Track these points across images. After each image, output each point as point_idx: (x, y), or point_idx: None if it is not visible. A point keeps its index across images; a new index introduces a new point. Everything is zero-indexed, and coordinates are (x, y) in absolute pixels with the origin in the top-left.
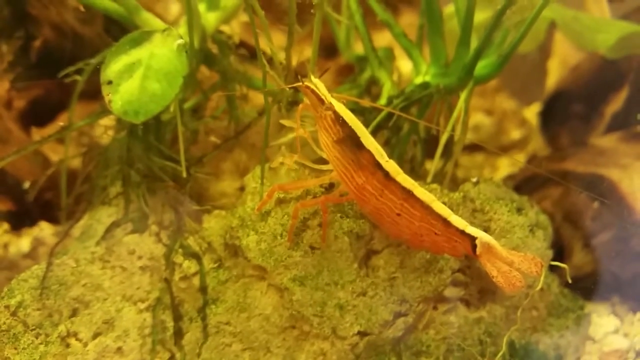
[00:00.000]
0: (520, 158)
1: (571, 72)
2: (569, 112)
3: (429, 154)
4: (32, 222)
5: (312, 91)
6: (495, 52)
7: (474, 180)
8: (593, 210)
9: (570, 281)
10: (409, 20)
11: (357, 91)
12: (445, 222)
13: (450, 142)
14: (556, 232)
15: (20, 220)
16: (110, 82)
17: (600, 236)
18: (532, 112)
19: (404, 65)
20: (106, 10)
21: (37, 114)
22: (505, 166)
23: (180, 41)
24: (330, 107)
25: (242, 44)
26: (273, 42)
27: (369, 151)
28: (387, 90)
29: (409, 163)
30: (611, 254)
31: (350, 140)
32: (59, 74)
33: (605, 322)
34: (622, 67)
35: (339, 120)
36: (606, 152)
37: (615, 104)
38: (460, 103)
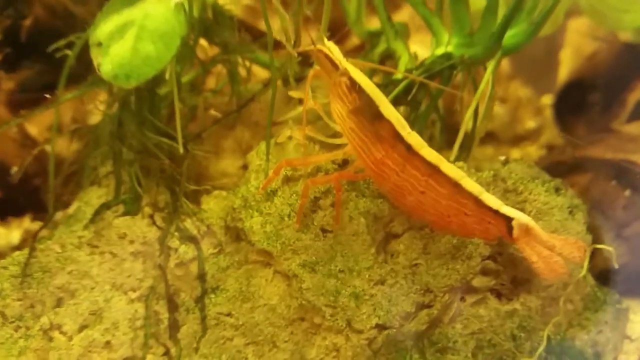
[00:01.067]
0: (533, 149)
1: (587, 61)
2: (586, 101)
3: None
4: (20, 211)
5: (326, 56)
6: (525, 19)
7: (502, 159)
8: (625, 198)
9: (616, 266)
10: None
11: (369, 68)
12: (477, 201)
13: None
14: None
15: (6, 208)
16: (99, 44)
17: (633, 226)
18: (545, 103)
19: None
20: None
21: (29, 96)
22: (517, 156)
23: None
24: (346, 73)
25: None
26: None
27: (389, 121)
28: (403, 63)
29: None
30: None
31: (368, 110)
32: (50, 49)
33: None
34: None
35: (355, 87)
36: (634, 138)
37: (639, 91)
38: (488, 74)
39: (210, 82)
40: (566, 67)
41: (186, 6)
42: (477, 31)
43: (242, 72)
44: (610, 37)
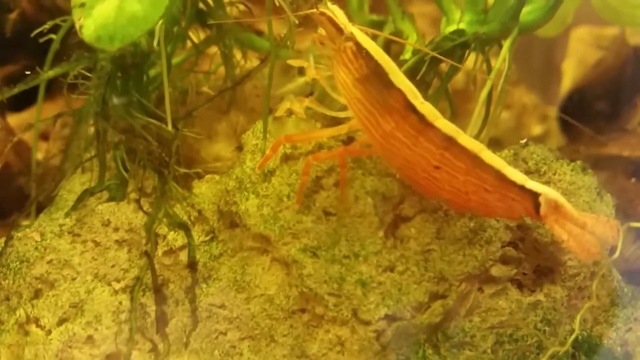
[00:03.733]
0: None
1: (593, 69)
2: (592, 110)
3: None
4: (5, 213)
5: (329, 19)
6: None
7: (523, 141)
8: None
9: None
10: (418, 10)
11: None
12: (499, 176)
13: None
14: None
15: None
16: (82, 5)
17: None
18: (550, 112)
19: None
20: None
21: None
22: None
23: None
24: (352, 38)
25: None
26: None
27: (399, 90)
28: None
29: None
30: None
31: (376, 78)
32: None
33: None
34: None
35: (361, 53)
36: None
37: None
38: (504, 52)
39: (204, 66)
40: (570, 77)
41: None
42: (492, 7)
43: (238, 55)
44: (616, 46)
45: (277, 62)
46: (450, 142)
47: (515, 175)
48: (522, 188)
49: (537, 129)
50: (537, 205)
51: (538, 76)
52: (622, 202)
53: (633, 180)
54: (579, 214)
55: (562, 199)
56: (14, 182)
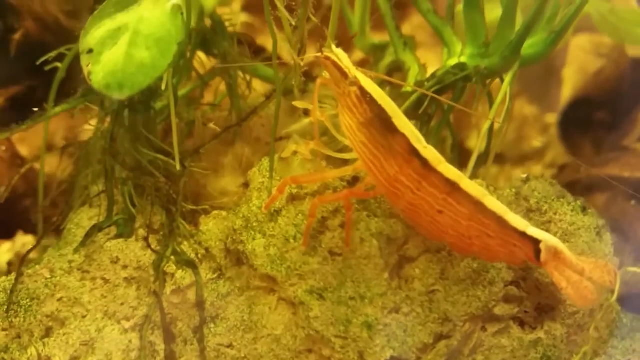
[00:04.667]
0: (538, 168)
1: (593, 79)
2: (592, 119)
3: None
4: (11, 233)
5: (334, 63)
6: (545, 28)
7: (524, 176)
8: None
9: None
10: (419, 21)
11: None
12: (501, 222)
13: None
14: None
15: None
16: (90, 51)
17: None
18: (549, 122)
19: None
20: None
21: (17, 112)
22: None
23: (175, 1)
24: (356, 82)
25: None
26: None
27: (403, 135)
28: (413, 74)
29: None
30: None
31: (380, 122)
32: (40, 63)
33: None
34: None
35: (366, 97)
36: None
37: None
38: (505, 86)
39: (209, 97)
40: (570, 85)
41: (184, 10)
42: (493, 40)
43: (242, 85)
44: (616, 55)
45: (282, 102)
46: (453, 187)
47: (517, 221)
48: (523, 235)
49: (537, 141)
50: (537, 252)
51: (537, 83)
52: (622, 225)
53: (633, 202)
54: (578, 260)
55: (561, 246)
56: (20, 204)
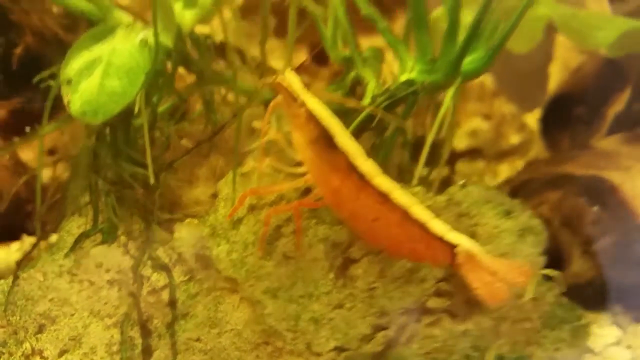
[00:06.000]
0: (520, 164)
1: (572, 75)
2: (571, 115)
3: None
4: (16, 235)
5: (286, 87)
6: (483, 46)
7: (461, 183)
8: (593, 214)
9: (565, 290)
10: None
11: (343, 92)
12: (425, 228)
13: (439, 144)
14: (554, 237)
15: (3, 233)
16: (69, 81)
17: (601, 242)
18: (533, 118)
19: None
20: (78, 9)
21: (19, 124)
22: (506, 172)
23: (142, 35)
24: (304, 105)
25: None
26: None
27: (343, 152)
28: (371, 89)
29: (396, 167)
30: (612, 261)
31: (324, 140)
32: (35, 80)
33: (606, 333)
34: (625, 67)
35: (312, 118)
36: (607, 154)
37: (618, 105)
38: (447, 101)
39: (195, 108)
40: (554, 81)
41: (151, 41)
42: (438, 58)
43: (218, 98)
44: (594, 52)
45: (249, 119)
46: (385, 198)
47: (438, 227)
48: (442, 239)
49: (515, 138)
50: (454, 255)
51: (521, 81)
52: (572, 221)
53: (583, 199)
54: (492, 262)
55: (476, 249)
56: (23, 209)
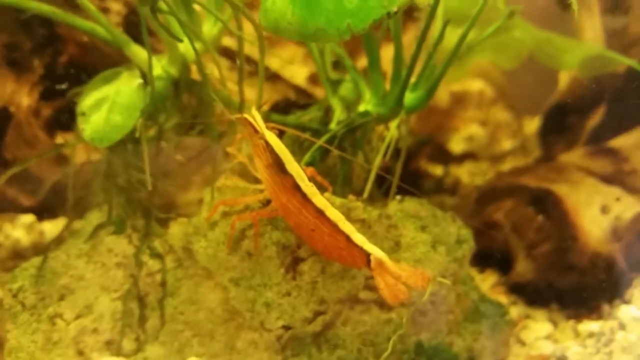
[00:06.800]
0: (508, 168)
1: (570, 84)
2: (565, 124)
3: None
4: (55, 215)
5: (249, 123)
6: (423, 86)
7: (399, 198)
8: (537, 222)
9: (448, 283)
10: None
11: (312, 116)
12: (348, 239)
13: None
14: (505, 241)
15: (41, 215)
16: (84, 114)
17: (541, 247)
18: (534, 124)
19: None
20: (104, 40)
21: (62, 121)
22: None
23: (139, 81)
24: (263, 137)
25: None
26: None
27: (291, 175)
28: (337, 116)
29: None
30: (550, 264)
31: (277, 166)
32: (71, 90)
33: (539, 328)
34: (605, 81)
35: (268, 148)
36: (562, 167)
37: (595, 118)
38: (392, 130)
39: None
40: (559, 88)
41: (151, 81)
42: (387, 94)
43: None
44: None
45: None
46: (320, 213)
47: (358, 239)
48: (360, 249)
49: (507, 144)
50: (369, 261)
51: (532, 84)
52: (519, 227)
53: (530, 208)
54: (397, 268)
55: (385, 258)
56: (62, 195)
